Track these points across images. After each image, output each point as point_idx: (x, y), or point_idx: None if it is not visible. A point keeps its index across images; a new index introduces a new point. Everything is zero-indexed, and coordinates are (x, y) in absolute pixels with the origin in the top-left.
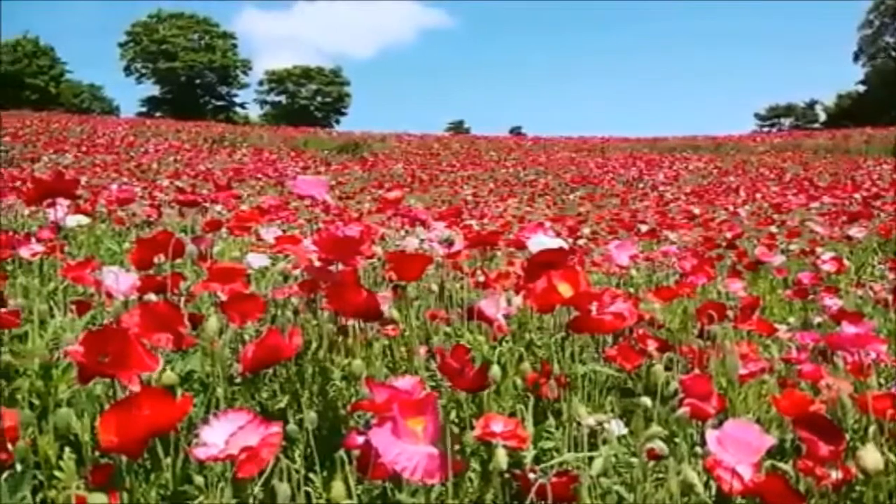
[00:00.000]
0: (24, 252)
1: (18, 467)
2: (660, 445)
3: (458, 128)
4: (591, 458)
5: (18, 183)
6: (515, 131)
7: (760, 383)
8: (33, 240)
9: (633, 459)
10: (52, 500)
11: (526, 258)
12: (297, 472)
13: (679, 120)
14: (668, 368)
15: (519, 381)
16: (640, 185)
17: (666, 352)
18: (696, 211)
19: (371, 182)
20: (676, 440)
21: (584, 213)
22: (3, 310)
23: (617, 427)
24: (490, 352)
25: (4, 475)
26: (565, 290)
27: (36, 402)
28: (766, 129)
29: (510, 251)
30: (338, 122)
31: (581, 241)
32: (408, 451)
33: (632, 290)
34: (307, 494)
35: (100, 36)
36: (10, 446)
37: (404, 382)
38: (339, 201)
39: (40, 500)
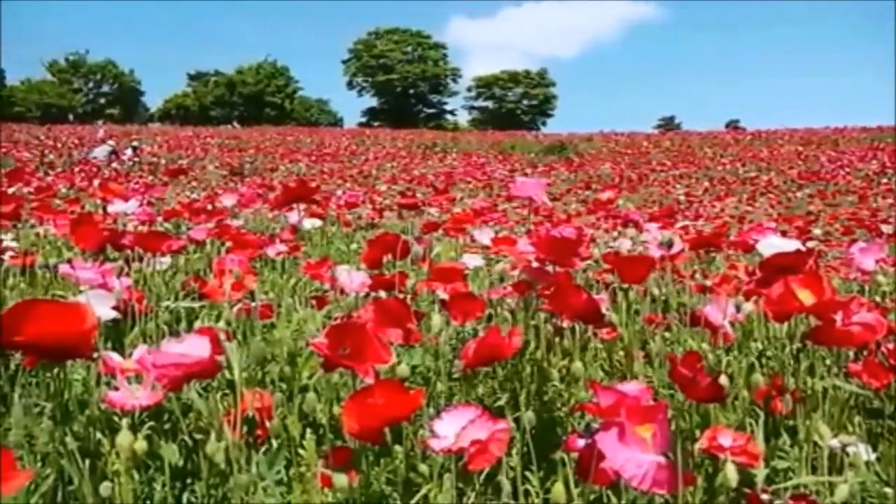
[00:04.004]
0: (271, 251)
1: (274, 444)
2: None
3: (668, 124)
4: (832, 484)
5: (262, 190)
6: (732, 125)
7: None
8: (277, 241)
9: (887, 490)
10: (301, 476)
11: (751, 261)
12: (514, 469)
13: None
14: None
15: (745, 394)
16: (883, 180)
17: None
18: None
19: (577, 183)
20: None
21: (814, 212)
22: (259, 303)
23: (865, 451)
24: (716, 360)
25: (262, 450)
26: (806, 297)
27: (283, 385)
28: None
29: (730, 254)
30: (544, 124)
31: (812, 244)
32: (636, 458)
33: (878, 298)
34: (526, 493)
35: (326, 55)
36: (267, 424)
37: (630, 387)
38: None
39: (291, 475)
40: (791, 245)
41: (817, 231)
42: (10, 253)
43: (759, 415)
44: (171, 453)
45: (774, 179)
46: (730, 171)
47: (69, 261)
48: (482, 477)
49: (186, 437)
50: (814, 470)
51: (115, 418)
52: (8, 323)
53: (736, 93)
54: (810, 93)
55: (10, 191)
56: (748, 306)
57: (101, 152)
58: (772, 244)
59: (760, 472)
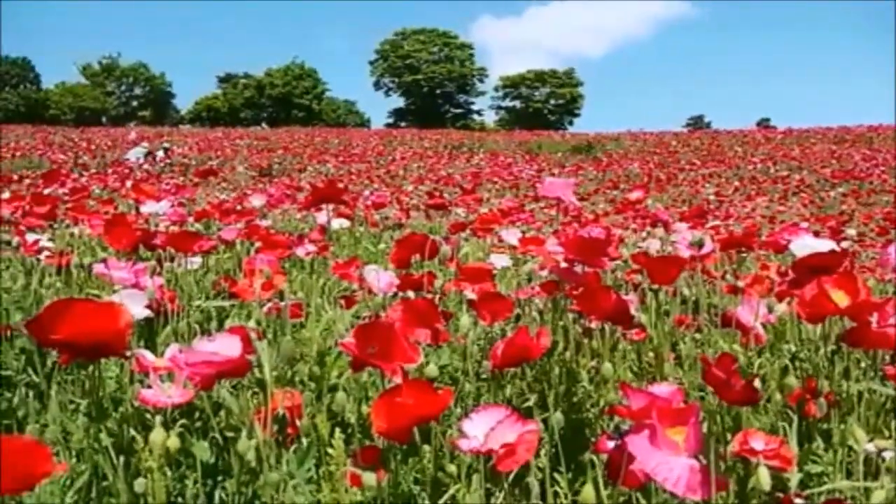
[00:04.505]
0: (300, 252)
1: (304, 442)
2: None
3: (697, 123)
4: (868, 489)
5: (290, 191)
6: (763, 124)
7: None
8: (306, 241)
9: None
10: (331, 474)
11: (783, 262)
12: (542, 470)
13: None
14: None
15: (778, 397)
16: None
17: None
18: None
19: (605, 183)
20: None
21: (847, 211)
22: (290, 302)
23: None
24: (747, 362)
25: (292, 448)
26: (840, 298)
27: (312, 384)
28: None
29: (761, 254)
30: (571, 123)
31: (846, 244)
32: (669, 461)
33: None
34: (555, 494)
35: (353, 57)
36: (297, 422)
37: (662, 389)
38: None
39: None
40: (825, 245)
41: (851, 231)
42: (46, 253)
43: (793, 418)
44: (202, 451)
45: (807, 178)
46: (760, 170)
47: (104, 260)
48: (511, 477)
49: (218, 435)
50: (849, 475)
51: (148, 416)
52: (45, 321)
53: (766, 92)
54: (842, 92)
55: (46, 192)
56: (780, 307)
57: (136, 154)
58: (805, 244)
59: (794, 477)
